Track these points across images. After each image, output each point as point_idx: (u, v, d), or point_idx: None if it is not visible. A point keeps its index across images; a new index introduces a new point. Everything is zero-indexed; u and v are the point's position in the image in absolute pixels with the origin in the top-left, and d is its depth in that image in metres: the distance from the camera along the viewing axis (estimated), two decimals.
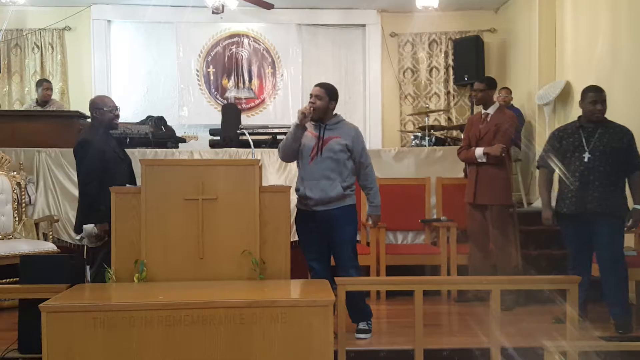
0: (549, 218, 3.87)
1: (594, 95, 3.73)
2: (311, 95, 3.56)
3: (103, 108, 3.79)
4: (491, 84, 4.46)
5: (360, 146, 3.58)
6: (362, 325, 3.57)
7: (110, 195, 3.26)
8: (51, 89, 6.44)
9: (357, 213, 3.65)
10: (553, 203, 3.91)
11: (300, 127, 3.50)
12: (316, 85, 3.61)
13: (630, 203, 3.72)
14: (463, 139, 4.61)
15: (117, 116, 3.87)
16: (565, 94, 5.77)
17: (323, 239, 3.58)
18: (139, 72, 7.71)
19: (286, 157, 3.69)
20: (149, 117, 6.42)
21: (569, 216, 3.78)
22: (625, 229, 3.70)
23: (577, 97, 5.54)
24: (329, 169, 3.50)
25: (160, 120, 6.25)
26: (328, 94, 3.55)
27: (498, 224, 4.24)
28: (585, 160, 3.69)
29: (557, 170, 3.83)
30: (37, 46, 7.46)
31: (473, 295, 4.41)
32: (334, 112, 3.62)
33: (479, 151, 4.27)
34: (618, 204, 3.67)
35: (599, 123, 3.73)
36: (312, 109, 3.48)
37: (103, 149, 3.69)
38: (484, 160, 4.25)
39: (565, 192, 3.79)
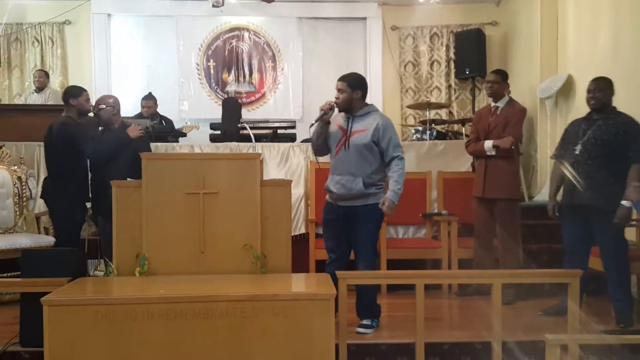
0: (550, 209, 3.89)
1: (590, 84, 3.77)
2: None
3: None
4: (505, 76, 4.46)
5: (387, 137, 3.44)
6: (365, 321, 3.53)
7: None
8: (43, 77, 6.68)
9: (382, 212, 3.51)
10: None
11: (324, 122, 3.51)
12: (338, 80, 3.56)
13: None
14: (471, 132, 4.59)
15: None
16: (567, 88, 5.74)
17: (343, 233, 3.54)
18: (139, 66, 7.68)
19: (316, 152, 3.67)
20: None
21: (566, 208, 3.81)
22: (613, 226, 3.55)
23: (579, 90, 5.60)
24: (353, 164, 3.45)
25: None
26: (350, 84, 3.51)
27: (505, 218, 4.22)
28: (577, 152, 3.70)
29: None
30: (37, 40, 7.44)
31: (474, 289, 4.41)
32: (367, 102, 3.58)
33: (488, 144, 4.25)
34: (610, 198, 3.54)
35: (603, 114, 3.70)
36: (332, 105, 3.48)
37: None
38: (493, 153, 4.23)
39: (565, 184, 3.82)
